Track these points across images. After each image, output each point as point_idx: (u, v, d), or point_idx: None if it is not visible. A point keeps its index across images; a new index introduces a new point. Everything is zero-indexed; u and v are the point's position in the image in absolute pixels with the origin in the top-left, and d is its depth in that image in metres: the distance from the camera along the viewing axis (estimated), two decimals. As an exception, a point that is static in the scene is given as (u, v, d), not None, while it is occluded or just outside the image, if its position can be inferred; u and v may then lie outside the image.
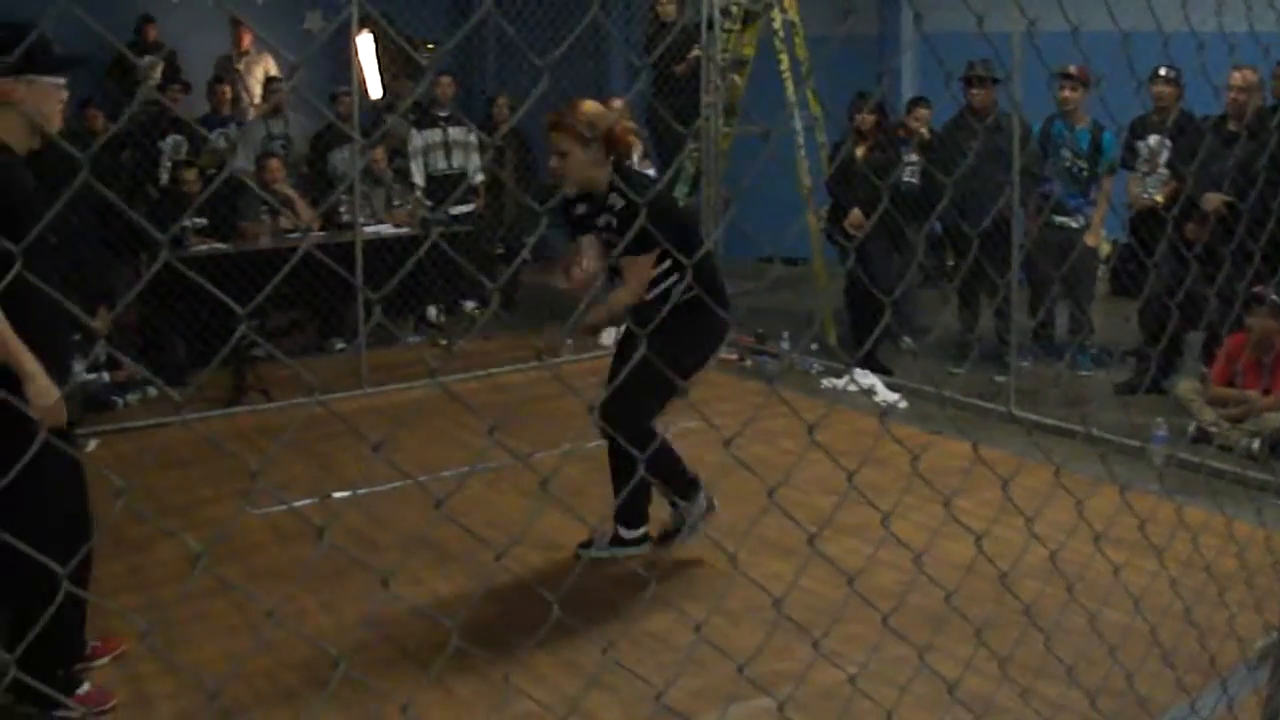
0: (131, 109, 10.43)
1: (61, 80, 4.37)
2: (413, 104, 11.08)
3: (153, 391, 8.87)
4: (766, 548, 5.83)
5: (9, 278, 1.60)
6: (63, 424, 4.22)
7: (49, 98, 4.31)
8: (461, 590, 5.51)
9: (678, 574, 5.51)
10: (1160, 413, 7.47)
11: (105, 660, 4.91)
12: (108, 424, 8.12)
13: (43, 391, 4.04)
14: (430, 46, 13.28)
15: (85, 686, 4.60)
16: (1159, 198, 8.54)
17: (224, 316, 8.83)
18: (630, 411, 5.03)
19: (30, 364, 4.05)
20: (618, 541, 5.83)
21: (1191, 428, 7.51)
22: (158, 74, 11.76)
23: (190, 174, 9.78)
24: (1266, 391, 7.33)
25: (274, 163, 10.39)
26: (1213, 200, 7.63)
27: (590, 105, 5.52)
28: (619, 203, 5.43)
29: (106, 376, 8.78)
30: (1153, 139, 8.67)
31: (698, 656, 4.52)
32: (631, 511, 5.79)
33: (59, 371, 4.27)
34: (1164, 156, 8.64)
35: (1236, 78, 7.62)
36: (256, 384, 8.77)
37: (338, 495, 6.70)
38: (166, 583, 5.67)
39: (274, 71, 12.51)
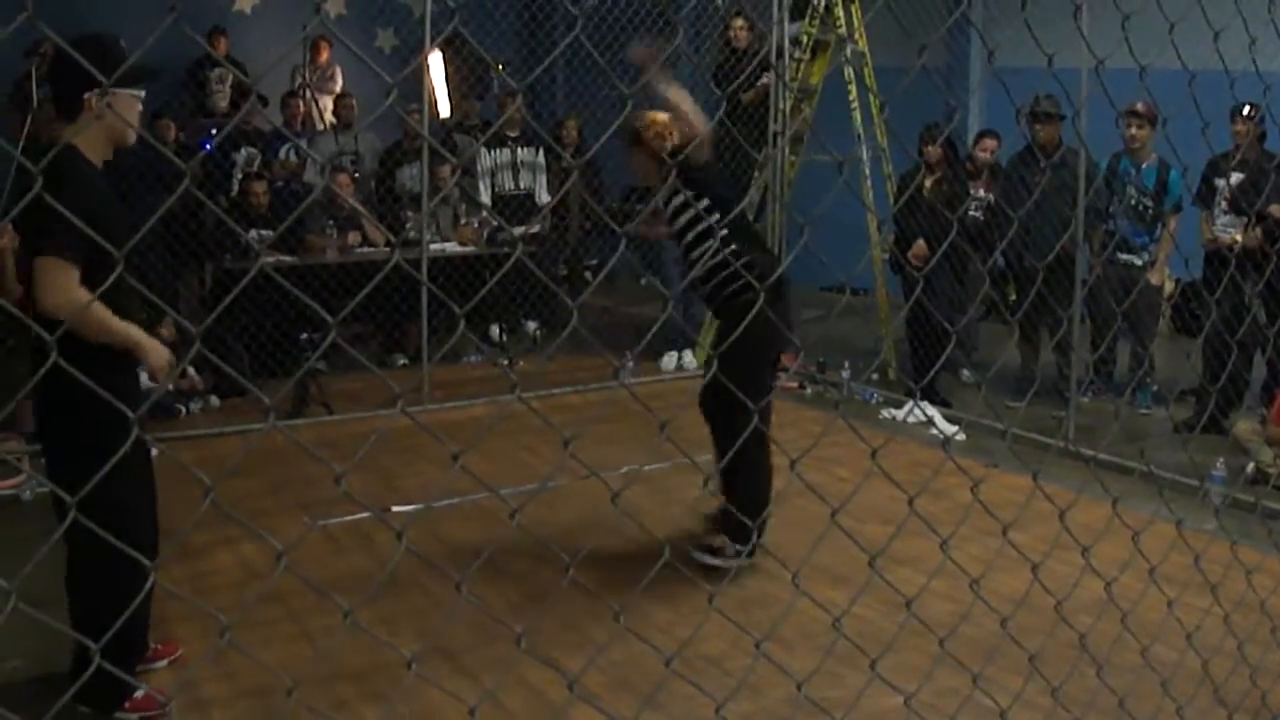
0: (224, 131, 10.56)
1: (140, 93, 4.48)
2: (483, 124, 11.17)
3: (215, 401, 8.98)
4: (820, 574, 5.84)
5: (104, 286, 1.66)
6: (169, 366, 4.40)
7: (128, 110, 4.41)
8: (517, 606, 5.55)
9: (733, 599, 5.53)
10: (1219, 452, 7.44)
11: (163, 664, 4.98)
12: (170, 431, 8.22)
13: (155, 350, 4.25)
14: (500, 67, 13.40)
15: (142, 690, 4.67)
16: (1237, 236, 8.46)
17: (287, 328, 8.93)
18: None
19: (137, 333, 4.31)
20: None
21: (1250, 468, 7.47)
22: (226, 88, 11.94)
23: (259, 186, 9.90)
24: (1327, 435, 7.28)
25: (343, 178, 10.50)
26: (1253, 234, 7.60)
27: (659, 116, 6.14)
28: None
29: (170, 384, 8.90)
30: (1234, 177, 8.63)
31: (751, 681, 4.55)
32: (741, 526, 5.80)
33: (129, 379, 4.38)
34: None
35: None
36: (319, 397, 8.85)
37: (396, 509, 6.77)
38: (225, 590, 5.74)
39: (343, 87, 12.67)
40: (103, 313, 4.18)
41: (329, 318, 1.73)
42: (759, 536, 5.88)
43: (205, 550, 6.18)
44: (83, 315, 4.08)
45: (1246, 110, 8.33)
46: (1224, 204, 8.68)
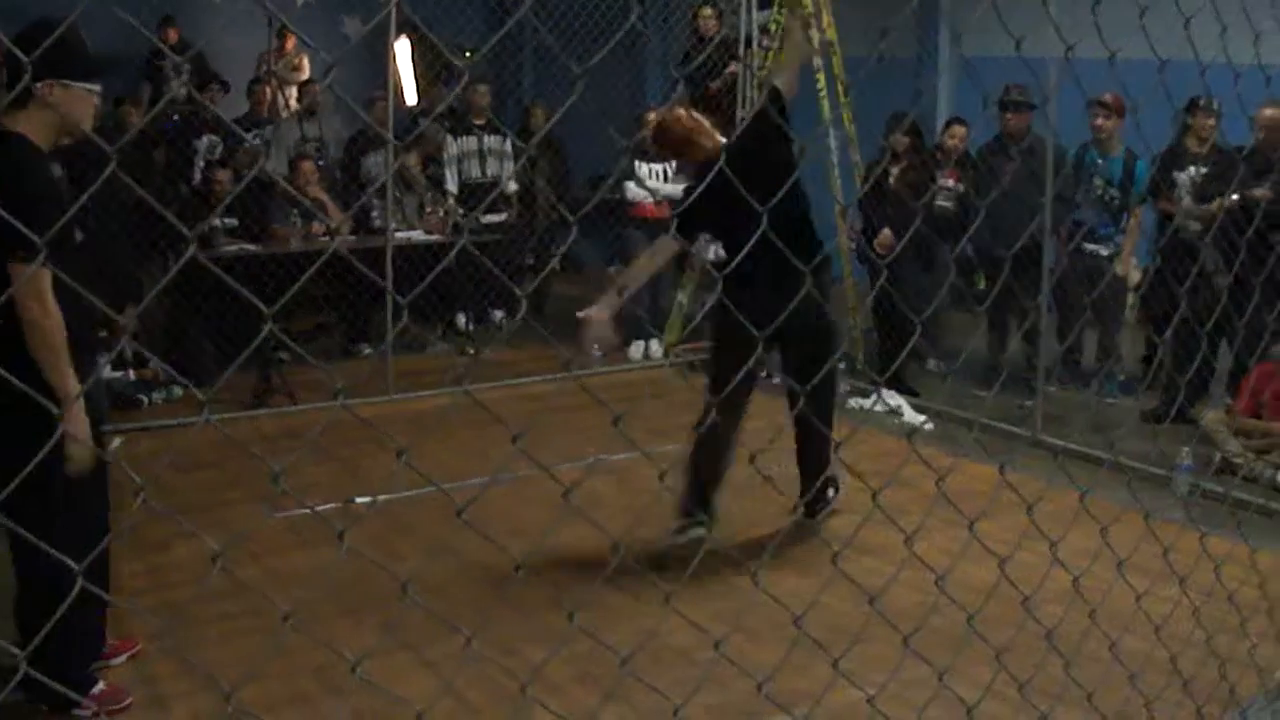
0: (155, 111, 10.48)
1: (95, 87, 4.39)
2: (449, 111, 11.10)
3: (178, 391, 8.89)
4: (788, 565, 5.82)
5: (30, 270, 1.61)
6: (88, 465, 4.22)
7: (81, 102, 4.33)
8: (481, 599, 5.52)
9: (699, 590, 5.49)
10: (1186, 442, 7.44)
11: (121, 659, 4.93)
12: (132, 422, 8.14)
13: (75, 422, 4.04)
14: (468, 53, 13.32)
15: (100, 685, 4.62)
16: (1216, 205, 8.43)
17: (252, 318, 8.84)
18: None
19: (71, 390, 4.06)
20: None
21: (1217, 458, 7.48)
22: (184, 76, 11.85)
23: (223, 174, 9.81)
24: (1294, 425, 7.30)
25: (306, 165, 10.39)
26: (1258, 196, 7.59)
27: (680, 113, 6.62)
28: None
29: (132, 374, 8.82)
30: (1192, 170, 8.63)
31: (716, 673, 4.52)
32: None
33: (84, 367, 4.29)
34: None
35: (1264, 114, 7.56)
36: (281, 387, 8.79)
37: (360, 500, 6.72)
38: (184, 584, 5.68)
39: (310, 74, 12.59)
40: (62, 341, 4.08)
41: (259, 309, 1.67)
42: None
43: (164, 543, 6.12)
44: (54, 335, 4.01)
45: (1203, 102, 8.35)
46: (1187, 198, 8.68)
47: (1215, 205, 7.89)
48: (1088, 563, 3.24)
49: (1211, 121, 8.53)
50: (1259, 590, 3.69)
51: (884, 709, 2.82)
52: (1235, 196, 7.71)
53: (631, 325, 10.29)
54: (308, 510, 6.08)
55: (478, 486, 6.13)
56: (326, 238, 10.04)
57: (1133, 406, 8.84)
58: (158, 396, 8.80)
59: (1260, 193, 7.54)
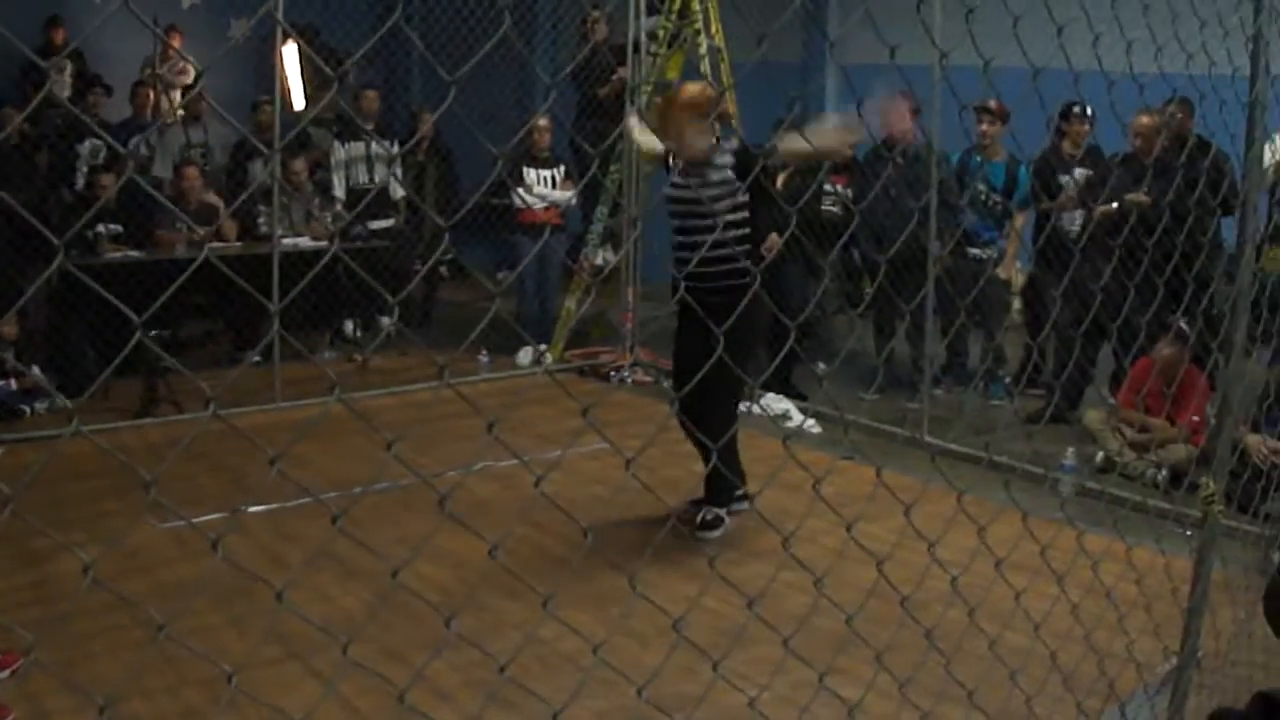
0: (26, 112, 10.31)
1: None
2: (335, 117, 11.01)
3: (61, 400, 8.75)
4: (673, 568, 5.85)
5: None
6: None
7: None
8: (367, 606, 5.49)
9: (585, 594, 5.50)
10: (1069, 442, 7.57)
11: (4, 675, 4.84)
12: (14, 432, 8.00)
13: None
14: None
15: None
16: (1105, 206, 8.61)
17: (134, 325, 8.69)
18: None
19: None
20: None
21: (1098, 457, 7.61)
22: (65, 77, 11.65)
23: (107, 178, 9.67)
24: (1171, 420, 7.44)
25: (191, 171, 10.25)
26: (1138, 200, 7.76)
27: (689, 85, 6.81)
28: (732, 150, 6.36)
29: (13, 384, 8.66)
30: (1077, 172, 8.77)
31: (603, 676, 4.52)
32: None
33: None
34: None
35: (1140, 122, 7.71)
36: (167, 395, 8.68)
37: (248, 510, 6.65)
38: (69, 597, 5.59)
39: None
40: None
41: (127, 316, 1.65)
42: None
43: (48, 556, 6.02)
44: None
45: (1077, 109, 8.52)
46: (1069, 201, 8.82)
47: (1098, 212, 8.04)
48: (968, 561, 3.29)
49: (1085, 127, 8.71)
50: (1136, 586, 3.76)
51: (768, 711, 2.85)
52: (1115, 205, 7.88)
53: (520, 331, 10.29)
54: (194, 520, 6.01)
55: (364, 494, 6.11)
56: (212, 244, 9.93)
57: (1016, 408, 8.96)
58: (40, 406, 8.65)
59: (1140, 197, 7.71)
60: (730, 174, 6.26)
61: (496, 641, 4.99)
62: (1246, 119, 3.79)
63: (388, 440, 1.86)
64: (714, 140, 6.33)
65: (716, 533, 6.57)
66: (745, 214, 6.27)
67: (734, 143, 6.37)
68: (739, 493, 6.61)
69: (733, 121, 6.63)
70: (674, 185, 6.37)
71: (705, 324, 5.36)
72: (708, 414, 5.99)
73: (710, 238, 6.05)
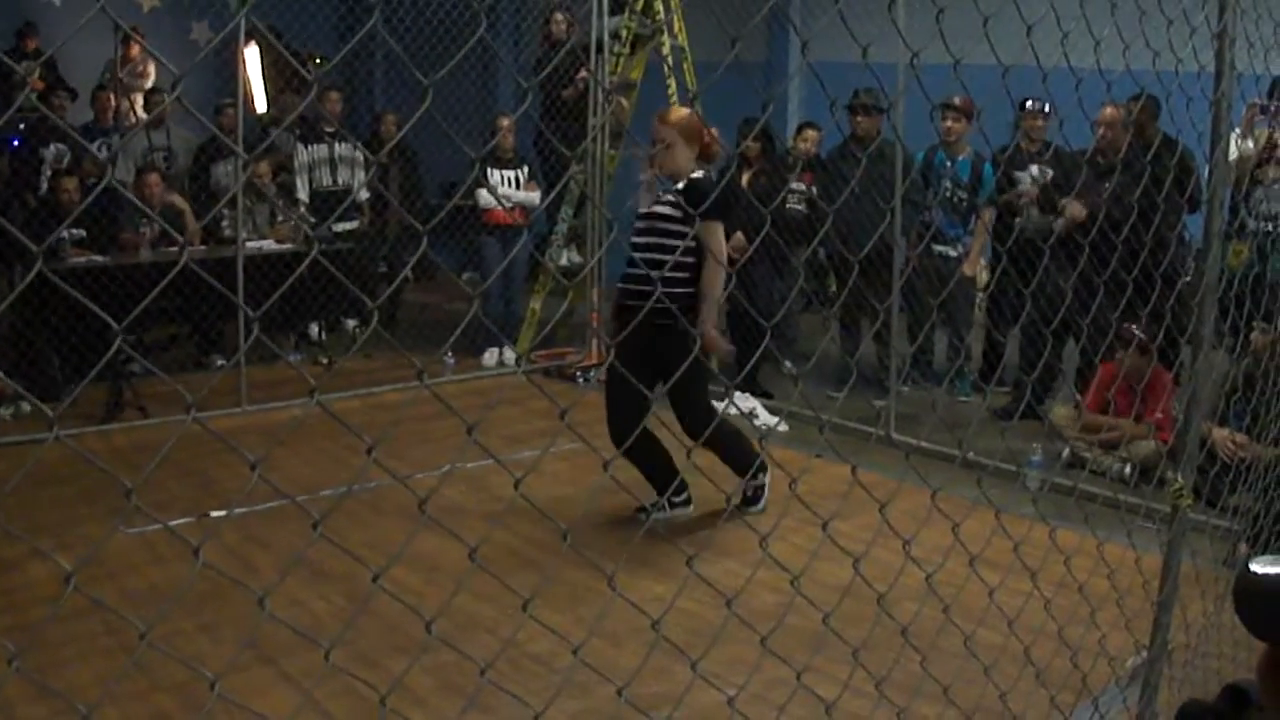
0: (6, 116, 10.24)
1: None
2: (299, 119, 10.96)
3: (26, 406, 8.68)
4: (646, 569, 5.85)
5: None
6: None
7: None
8: (340, 611, 5.48)
9: (559, 595, 5.50)
10: (1036, 438, 7.60)
11: (-24, 679, 4.80)
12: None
13: None
14: (318, 61, 13.18)
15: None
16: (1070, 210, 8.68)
17: (100, 330, 8.66)
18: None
19: None
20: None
21: (1066, 453, 7.65)
22: (35, 78, 11.58)
23: (70, 182, 9.60)
24: (1138, 419, 7.47)
25: (153, 176, 10.18)
26: (1075, 210, 7.84)
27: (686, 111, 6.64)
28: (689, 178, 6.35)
29: (-20, 390, 8.60)
30: (1034, 169, 8.80)
31: (578, 679, 4.53)
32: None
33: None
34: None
35: (1105, 113, 7.77)
36: (133, 400, 8.64)
37: (215, 514, 6.64)
38: (38, 604, 5.55)
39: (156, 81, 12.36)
40: None
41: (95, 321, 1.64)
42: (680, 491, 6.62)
43: (16, 563, 5.98)
44: None
45: (1031, 104, 8.56)
46: (1033, 197, 8.86)
47: (1060, 223, 8.10)
48: (941, 558, 3.30)
49: (1040, 122, 8.74)
50: (1108, 581, 3.78)
51: (745, 710, 2.85)
52: (1060, 221, 7.97)
53: (484, 332, 10.29)
54: (161, 525, 5.99)
55: (334, 498, 6.09)
56: (176, 248, 9.88)
57: (983, 405, 9.00)
58: (5, 411, 8.58)
59: (1076, 209, 7.82)
60: (678, 213, 6.27)
61: (469, 644, 4.98)
62: (1212, 116, 3.82)
63: (367, 446, 1.85)
64: (688, 168, 6.34)
65: (760, 505, 6.74)
66: (689, 258, 6.26)
67: (693, 175, 6.34)
68: (679, 496, 6.67)
69: (719, 158, 6.60)
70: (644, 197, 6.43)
71: (648, 343, 5.51)
72: (687, 416, 6.12)
73: (662, 256, 6.18)
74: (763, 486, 6.72)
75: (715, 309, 6.35)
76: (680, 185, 6.27)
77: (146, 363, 2.13)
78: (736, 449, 6.44)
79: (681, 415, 6.30)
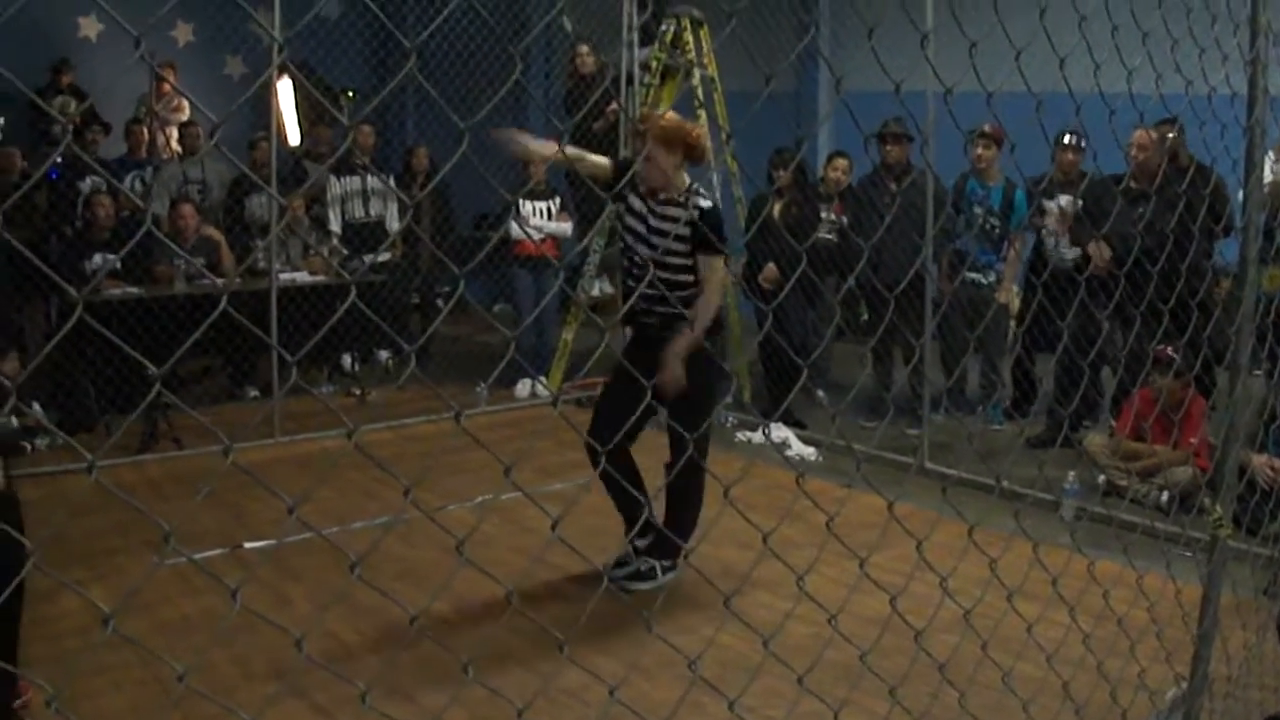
0: (53, 156, 10.34)
1: None
2: (331, 151, 11.01)
3: (62, 438, 8.71)
4: (682, 602, 5.83)
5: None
6: None
7: None
8: (373, 644, 5.47)
9: (593, 630, 5.48)
10: (1072, 466, 7.55)
11: (19, 702, 4.82)
12: (16, 469, 7.95)
13: None
14: (350, 95, 13.25)
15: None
16: (1071, 257, 8.66)
17: (135, 361, 8.66)
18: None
19: None
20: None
21: (1102, 481, 7.60)
22: (73, 111, 11.67)
23: (104, 200, 9.67)
24: (1175, 446, 7.42)
25: (187, 208, 10.24)
26: (1101, 253, 7.80)
27: (672, 115, 6.26)
28: (699, 208, 5.93)
29: (15, 420, 8.63)
30: (1063, 199, 8.77)
31: (613, 714, 4.50)
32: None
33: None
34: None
35: (1138, 136, 7.74)
36: (168, 432, 8.67)
37: (249, 546, 6.64)
38: (73, 634, 5.56)
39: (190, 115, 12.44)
40: None
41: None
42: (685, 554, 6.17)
43: (50, 594, 5.99)
44: None
45: (1068, 139, 8.54)
46: (1057, 226, 8.83)
47: (1074, 255, 8.07)
48: (979, 591, 3.28)
49: (1070, 155, 8.72)
50: (1147, 613, 3.75)
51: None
52: (1073, 253, 7.94)
53: (515, 364, 10.29)
54: (196, 556, 5.99)
55: (366, 529, 6.08)
56: (207, 281, 9.92)
57: (1017, 433, 8.95)
58: (41, 442, 8.62)
59: (1101, 252, 7.80)
60: (686, 232, 5.92)
61: (503, 678, 4.97)
62: (1246, 142, 3.80)
63: (405, 487, 1.85)
64: (676, 176, 6.01)
65: (647, 586, 6.22)
66: (689, 276, 5.98)
67: (702, 204, 5.97)
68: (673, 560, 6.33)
69: (708, 159, 6.37)
70: (630, 211, 6.10)
71: (648, 361, 5.29)
72: (681, 441, 5.58)
73: (658, 274, 5.95)
74: (663, 571, 6.31)
75: (694, 343, 5.99)
76: (691, 203, 5.94)
77: (179, 402, 2.13)
78: (685, 510, 6.12)
79: (676, 439, 5.83)
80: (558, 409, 2.39)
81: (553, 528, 2.08)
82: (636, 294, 5.98)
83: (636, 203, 6.09)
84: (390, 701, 4.71)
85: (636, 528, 6.00)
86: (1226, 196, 6.70)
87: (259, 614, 2.04)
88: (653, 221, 6.03)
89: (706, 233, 5.83)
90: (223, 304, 1.68)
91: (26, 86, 1.83)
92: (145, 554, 6.48)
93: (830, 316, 9.79)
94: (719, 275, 5.97)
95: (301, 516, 1.85)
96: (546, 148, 5.96)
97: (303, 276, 10.26)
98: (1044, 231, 8.89)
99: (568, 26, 11.53)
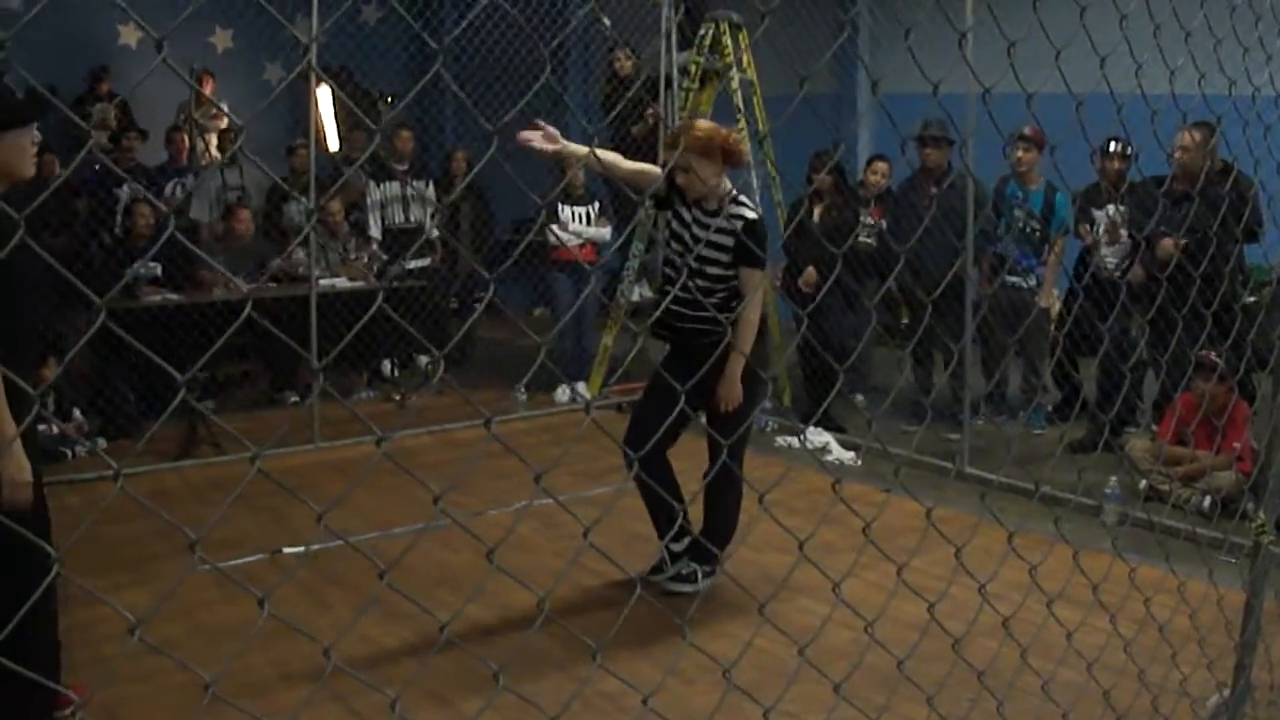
0: (78, 159, 10.38)
1: (29, 133, 4.26)
2: (371, 156, 11.04)
3: (102, 443, 8.76)
4: (721, 607, 5.81)
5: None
6: (26, 507, 4.15)
7: (18, 150, 4.20)
8: (411, 649, 5.46)
9: (630, 634, 5.46)
10: (1113, 471, 7.49)
11: (68, 711, 4.83)
12: (57, 475, 8.00)
13: (13, 465, 3.99)
14: (389, 100, 13.27)
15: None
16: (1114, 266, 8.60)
17: (175, 367, 8.68)
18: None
19: (10, 431, 3.97)
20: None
21: (1143, 486, 7.54)
22: (110, 120, 11.73)
23: (144, 208, 9.73)
24: (1218, 451, 7.36)
25: (244, 213, 10.31)
26: (1167, 246, 7.69)
27: (704, 123, 6.20)
28: (742, 219, 5.90)
29: (55, 428, 8.68)
30: (1110, 209, 8.71)
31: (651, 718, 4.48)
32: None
33: (25, 412, 4.19)
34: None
35: (1183, 139, 7.65)
36: (207, 437, 8.69)
37: (288, 550, 6.65)
38: (113, 639, 5.57)
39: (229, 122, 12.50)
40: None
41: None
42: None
43: (91, 599, 6.01)
44: None
45: (1114, 147, 8.48)
46: (1105, 236, 8.76)
47: (1114, 254, 8.00)
48: (1020, 597, 3.25)
49: (1117, 165, 8.65)
50: (1189, 620, 3.71)
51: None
52: (1117, 257, 7.84)
53: (557, 366, 10.29)
54: (234, 562, 6.02)
55: (405, 535, 6.08)
56: (252, 285, 9.95)
57: (1058, 437, 8.89)
58: (81, 449, 8.67)
59: (1167, 248, 7.69)
60: (728, 242, 5.89)
61: (540, 683, 4.95)
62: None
63: (435, 495, 1.83)
64: (717, 182, 5.98)
65: (687, 588, 6.17)
66: (730, 285, 5.97)
67: (746, 214, 5.94)
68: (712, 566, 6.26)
69: (747, 160, 6.31)
70: (677, 216, 6.11)
71: (696, 364, 5.24)
72: (719, 446, 5.56)
73: (698, 282, 5.90)
74: (703, 575, 6.22)
75: (742, 362, 5.96)
76: (733, 213, 5.91)
77: (205, 409, 2.12)
78: (723, 516, 6.09)
79: (713, 445, 5.99)
80: (590, 415, 2.37)
81: (585, 534, 2.07)
82: (669, 299, 5.96)
83: (685, 212, 6.08)
84: (426, 706, 4.71)
85: (672, 532, 6.00)
86: (1249, 199, 6.64)
87: (285, 620, 2.03)
88: (696, 230, 6.00)
89: (748, 244, 5.81)
90: (247, 310, 1.67)
91: (67, 94, 1.83)
92: (186, 559, 6.49)
93: (869, 320, 9.75)
94: (759, 288, 5.96)
95: (339, 522, 1.85)
96: (580, 149, 5.94)
97: (341, 282, 10.29)
98: (1089, 241, 8.81)
99: (606, 24, 11.51)
